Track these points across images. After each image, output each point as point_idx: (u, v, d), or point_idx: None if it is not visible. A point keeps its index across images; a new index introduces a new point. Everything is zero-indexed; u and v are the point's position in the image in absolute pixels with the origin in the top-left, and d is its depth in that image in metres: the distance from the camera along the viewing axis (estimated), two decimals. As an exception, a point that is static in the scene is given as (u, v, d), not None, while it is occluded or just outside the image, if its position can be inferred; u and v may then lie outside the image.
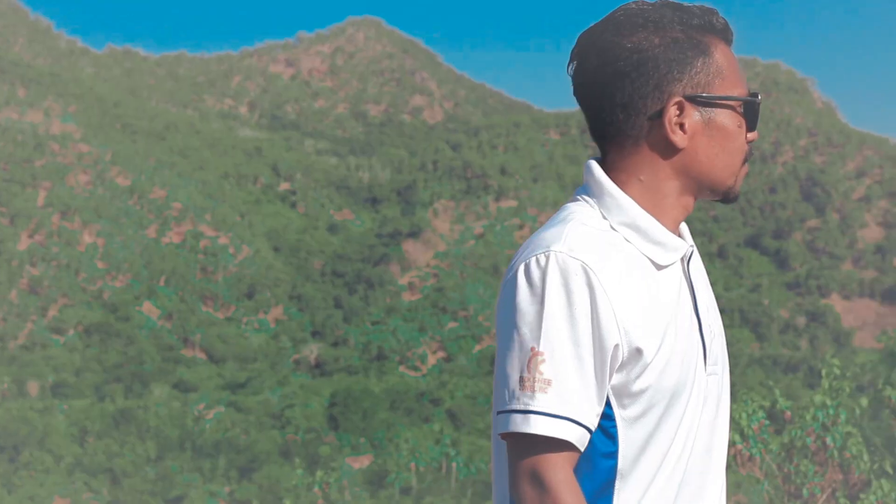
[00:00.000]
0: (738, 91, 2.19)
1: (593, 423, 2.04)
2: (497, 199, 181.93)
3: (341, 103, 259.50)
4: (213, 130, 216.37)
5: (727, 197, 2.25)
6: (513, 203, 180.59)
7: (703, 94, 2.16)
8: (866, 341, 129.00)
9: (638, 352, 2.06)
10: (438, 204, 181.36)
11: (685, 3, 2.20)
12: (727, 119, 2.18)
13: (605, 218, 2.17)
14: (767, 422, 8.45)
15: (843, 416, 8.38)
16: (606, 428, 2.10)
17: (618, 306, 2.05)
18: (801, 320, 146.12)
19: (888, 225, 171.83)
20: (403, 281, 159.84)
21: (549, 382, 1.99)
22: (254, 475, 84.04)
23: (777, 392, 9.20)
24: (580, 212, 2.17)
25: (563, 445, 2.01)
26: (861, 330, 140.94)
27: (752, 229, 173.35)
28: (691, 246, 2.27)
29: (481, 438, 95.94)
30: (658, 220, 2.19)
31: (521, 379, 2.00)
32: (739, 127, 2.19)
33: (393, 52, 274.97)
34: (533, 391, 1.99)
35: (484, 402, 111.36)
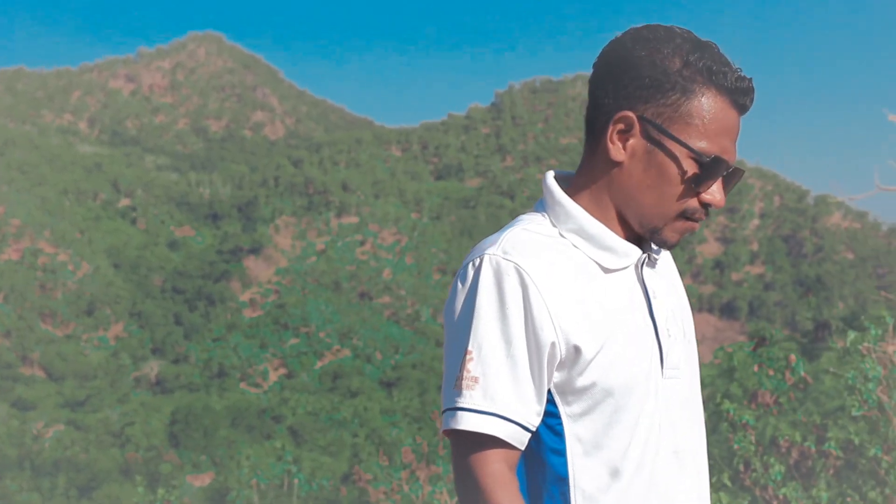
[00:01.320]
0: (701, 144, 2.13)
1: (528, 420, 2.08)
2: (338, 215, 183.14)
3: (182, 119, 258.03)
4: (53, 146, 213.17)
5: (654, 239, 2.23)
6: (354, 219, 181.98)
7: (658, 125, 2.12)
8: (705, 356, 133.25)
9: (577, 350, 2.09)
10: (280, 220, 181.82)
11: (716, 51, 2.17)
12: (670, 162, 2.13)
13: (554, 226, 2.21)
14: None
15: None
16: (552, 425, 2.14)
17: (553, 306, 2.07)
18: None
19: (726, 240, 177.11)
20: (244, 297, 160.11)
21: (475, 380, 2.04)
22: (94, 494, 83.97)
23: None
24: (528, 220, 2.22)
25: (493, 441, 2.06)
26: (700, 344, 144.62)
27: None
28: (653, 253, 2.30)
29: (323, 455, 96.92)
30: (609, 227, 2.21)
31: (455, 378, 2.06)
32: (683, 176, 2.14)
33: (234, 67, 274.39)
34: (461, 389, 2.04)
35: (326, 419, 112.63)
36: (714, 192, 2.18)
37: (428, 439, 10.27)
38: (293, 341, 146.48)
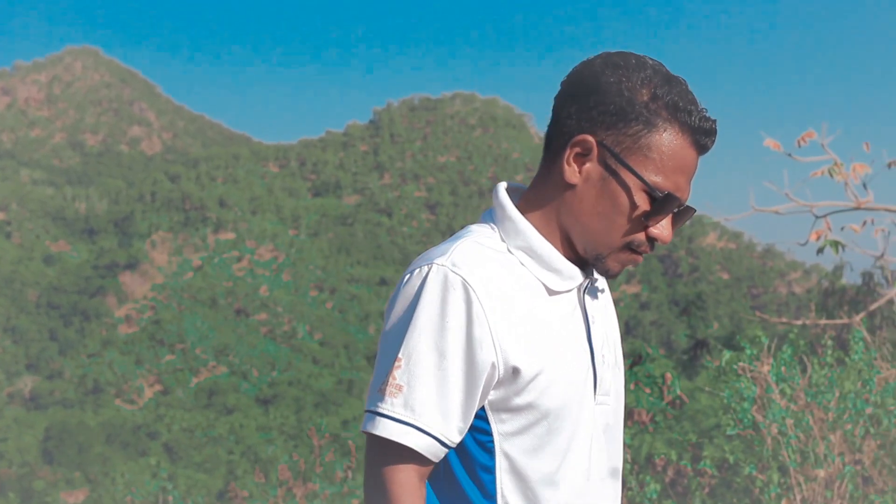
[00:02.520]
0: (656, 179, 2.09)
1: (447, 435, 2.04)
2: (216, 232, 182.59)
3: (58, 133, 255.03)
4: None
5: (596, 266, 2.21)
6: (231, 235, 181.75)
7: (616, 153, 2.09)
8: None
9: (515, 371, 2.05)
10: (156, 236, 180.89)
11: (685, 88, 2.14)
12: (623, 192, 2.10)
13: (503, 241, 2.18)
14: None
15: None
16: (484, 442, 2.12)
17: (496, 325, 2.03)
18: None
19: None
20: (120, 313, 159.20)
21: (399, 388, 2.01)
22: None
23: None
24: (478, 232, 2.19)
25: (407, 451, 2.04)
26: None
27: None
28: (595, 279, 2.28)
29: (199, 472, 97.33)
30: (557, 248, 2.19)
31: (382, 383, 2.04)
32: (634, 209, 2.11)
33: (111, 81, 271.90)
34: (384, 394, 2.03)
35: (201, 436, 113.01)
36: (662, 228, 2.16)
37: (304, 456, 10.23)
38: (169, 357, 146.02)
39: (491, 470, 2.12)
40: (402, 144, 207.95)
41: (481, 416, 2.11)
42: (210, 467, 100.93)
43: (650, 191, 2.10)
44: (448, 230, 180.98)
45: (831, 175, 10.07)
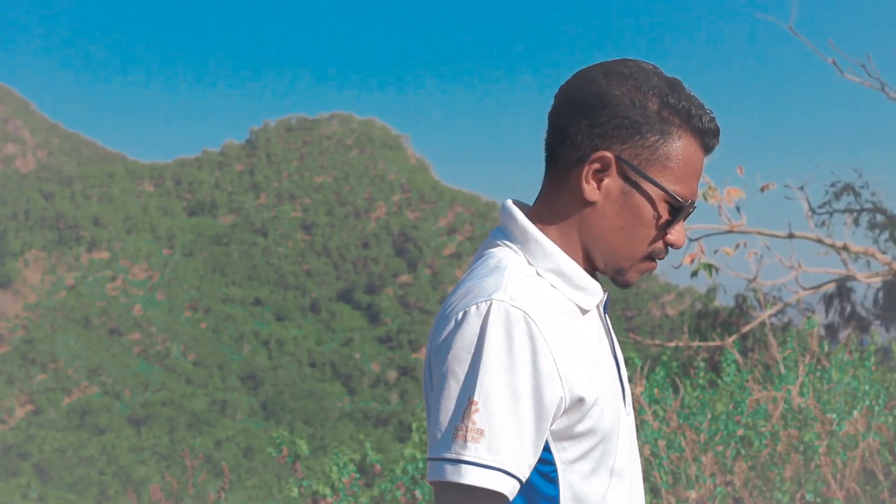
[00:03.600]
0: (676, 188, 2.09)
1: (525, 474, 1.97)
2: (90, 251, 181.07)
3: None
4: None
5: (616, 279, 2.18)
6: (105, 254, 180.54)
7: (635, 166, 2.08)
8: None
9: (580, 400, 2.02)
10: (29, 254, 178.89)
11: (688, 91, 2.14)
12: (646, 204, 2.09)
13: (530, 264, 2.12)
14: (358, 475, 8.30)
15: None
16: (547, 473, 2.07)
17: (559, 357, 1.99)
18: (393, 374, 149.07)
19: None
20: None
21: (481, 433, 1.92)
22: None
23: (368, 446, 9.30)
24: (510, 258, 2.12)
25: (492, 496, 1.94)
26: None
27: (345, 283, 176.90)
28: (606, 291, 2.23)
29: (70, 492, 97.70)
30: (579, 265, 2.16)
31: (456, 428, 1.94)
32: (656, 219, 2.10)
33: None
34: (465, 441, 1.93)
35: (73, 456, 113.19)
36: (677, 233, 2.16)
37: (177, 476, 10.12)
38: (41, 377, 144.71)
39: (555, 500, 2.08)
40: (279, 164, 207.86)
41: (545, 447, 2.06)
42: (82, 488, 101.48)
43: (672, 200, 2.10)
44: (323, 251, 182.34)
45: (705, 198, 10.50)
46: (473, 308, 2.00)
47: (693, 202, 2.15)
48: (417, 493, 8.02)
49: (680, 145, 2.12)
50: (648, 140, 2.10)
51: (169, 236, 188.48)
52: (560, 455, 2.08)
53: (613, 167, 2.10)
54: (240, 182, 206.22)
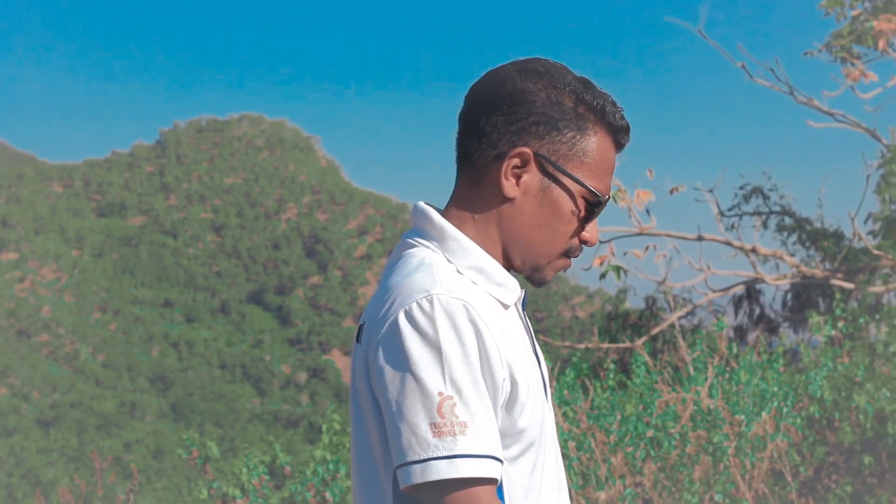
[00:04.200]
0: (593, 183, 2.11)
1: (504, 456, 2.01)
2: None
3: None
4: None
5: (532, 276, 2.18)
6: (14, 255, 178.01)
7: (554, 162, 2.09)
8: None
9: (517, 388, 2.02)
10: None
11: (600, 89, 2.16)
12: (565, 199, 2.11)
13: (450, 262, 2.11)
14: (268, 477, 8.20)
15: (342, 471, 8.24)
16: None
17: (500, 342, 2.00)
18: (303, 376, 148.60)
19: None
20: None
21: (465, 425, 1.92)
22: None
23: (278, 447, 9.20)
24: (431, 256, 2.10)
25: (487, 483, 1.94)
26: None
27: (256, 285, 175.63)
28: (524, 289, 2.22)
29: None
30: (498, 262, 2.15)
31: (434, 426, 1.91)
32: (575, 215, 2.12)
33: None
34: (454, 435, 1.91)
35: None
36: (592, 230, 2.19)
37: (86, 478, 9.84)
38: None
39: (500, 500, 2.02)
40: (189, 166, 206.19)
41: None
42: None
43: (590, 195, 2.12)
44: (233, 252, 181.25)
45: (615, 201, 10.48)
46: (415, 305, 1.99)
47: (609, 198, 2.17)
48: (328, 494, 7.96)
49: (595, 141, 2.13)
50: (565, 136, 2.11)
51: (78, 237, 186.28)
52: (503, 452, 2.04)
53: (532, 163, 2.11)
54: (149, 183, 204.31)
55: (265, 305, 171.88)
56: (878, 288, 11.67)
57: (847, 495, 7.52)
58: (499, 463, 1.96)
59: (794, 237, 14.44)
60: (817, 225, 14.35)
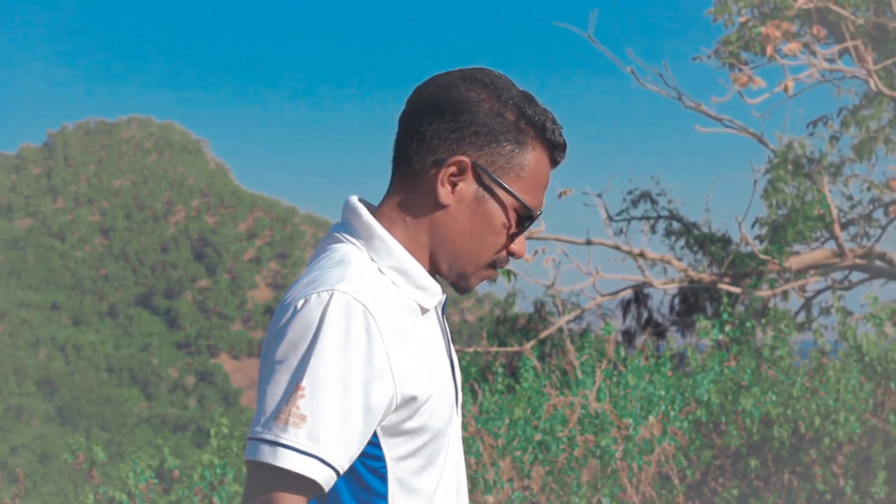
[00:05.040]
0: (527, 197, 2.13)
1: (344, 466, 1.97)
2: None
3: None
4: None
5: (457, 283, 2.20)
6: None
7: (491, 173, 2.10)
8: (254, 401, 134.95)
9: (411, 398, 2.03)
10: None
11: (542, 105, 2.18)
12: (498, 211, 2.13)
13: (373, 260, 2.12)
14: (156, 481, 8.19)
15: (230, 475, 8.19)
16: (377, 468, 2.07)
17: (393, 353, 2.00)
18: (191, 380, 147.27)
19: (277, 286, 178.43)
20: None
21: (303, 418, 1.92)
22: None
23: (166, 451, 9.15)
24: (354, 253, 2.12)
25: (305, 483, 1.94)
26: (249, 390, 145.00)
27: (144, 288, 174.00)
28: (445, 293, 2.23)
29: None
30: (423, 265, 2.16)
31: (279, 410, 1.94)
32: (505, 227, 2.14)
33: None
34: (287, 424, 1.92)
35: None
36: (520, 243, 2.20)
37: None
38: None
39: (384, 495, 2.08)
40: (77, 168, 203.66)
41: (374, 442, 2.06)
42: None
43: (523, 209, 2.14)
44: (122, 255, 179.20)
45: None
46: (315, 296, 2.00)
47: (540, 213, 2.19)
48: (215, 498, 7.94)
49: (533, 156, 2.15)
50: (504, 149, 2.12)
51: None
52: (390, 451, 2.08)
53: (469, 172, 2.12)
54: (37, 185, 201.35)
55: (153, 309, 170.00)
56: (764, 292, 11.79)
57: (733, 498, 7.58)
58: (328, 469, 1.95)
59: (681, 242, 14.50)
60: (705, 230, 14.41)
